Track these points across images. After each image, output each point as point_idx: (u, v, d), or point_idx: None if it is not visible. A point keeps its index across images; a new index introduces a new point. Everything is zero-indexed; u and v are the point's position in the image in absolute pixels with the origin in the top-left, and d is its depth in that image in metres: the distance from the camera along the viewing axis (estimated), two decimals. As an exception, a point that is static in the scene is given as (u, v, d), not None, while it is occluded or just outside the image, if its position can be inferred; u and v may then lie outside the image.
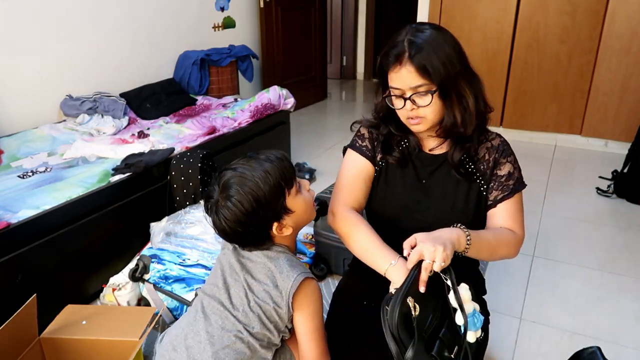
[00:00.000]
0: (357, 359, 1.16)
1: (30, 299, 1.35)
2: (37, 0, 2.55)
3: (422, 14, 3.93)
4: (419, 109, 1.10)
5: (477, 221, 1.19)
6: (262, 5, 4.15)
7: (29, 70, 2.57)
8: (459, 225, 1.04)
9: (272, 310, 1.07)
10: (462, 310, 0.96)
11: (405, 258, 0.97)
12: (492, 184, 1.17)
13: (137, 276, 1.76)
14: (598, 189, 2.91)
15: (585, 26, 3.44)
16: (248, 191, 1.02)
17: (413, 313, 0.91)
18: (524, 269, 2.17)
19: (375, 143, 1.27)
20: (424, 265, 0.93)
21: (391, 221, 1.26)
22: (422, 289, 0.93)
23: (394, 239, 1.24)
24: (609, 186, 2.89)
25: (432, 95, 1.08)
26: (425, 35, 1.08)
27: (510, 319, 1.86)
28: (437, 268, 0.93)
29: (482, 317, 1.00)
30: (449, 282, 0.96)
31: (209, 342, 1.05)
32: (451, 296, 0.96)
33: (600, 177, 3.07)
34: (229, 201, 1.03)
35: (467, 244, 1.02)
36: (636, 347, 1.70)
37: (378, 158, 1.27)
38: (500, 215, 1.16)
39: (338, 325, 1.27)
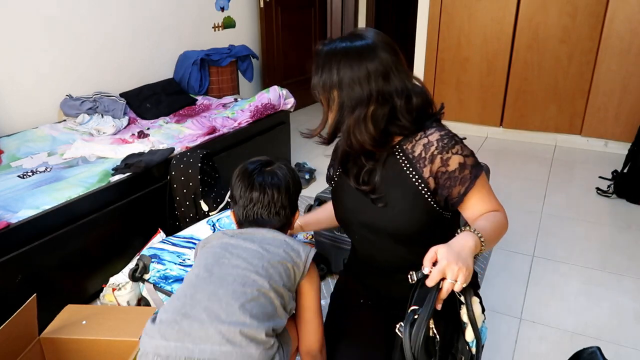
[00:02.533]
0: (356, 356, 1.17)
1: (30, 299, 1.35)
2: (37, 1, 2.55)
3: (422, 14, 3.94)
4: None
5: (419, 220, 1.15)
6: (262, 5, 4.15)
7: (29, 70, 2.57)
8: (467, 228, 1.01)
9: (291, 270, 1.08)
10: (475, 326, 0.94)
11: (426, 275, 0.92)
12: (446, 183, 1.10)
13: (137, 276, 1.76)
14: (598, 189, 2.91)
15: (585, 26, 3.44)
16: (291, 168, 1.24)
17: (437, 336, 0.89)
18: (524, 269, 2.17)
19: (333, 160, 1.33)
20: (446, 286, 0.89)
21: (347, 226, 1.28)
22: (438, 307, 0.90)
23: (357, 244, 1.31)
24: (609, 186, 2.89)
25: (315, 95, 1.16)
26: (334, 46, 1.11)
27: (510, 319, 1.86)
28: (458, 289, 0.90)
29: (486, 328, 0.99)
30: (462, 299, 0.94)
31: (232, 297, 0.99)
32: (463, 311, 0.94)
33: (600, 177, 3.07)
34: (279, 170, 1.19)
35: (482, 246, 0.99)
36: (636, 347, 1.70)
37: (331, 172, 1.33)
38: (475, 205, 1.12)
39: (337, 325, 1.28)
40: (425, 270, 0.91)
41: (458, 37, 3.85)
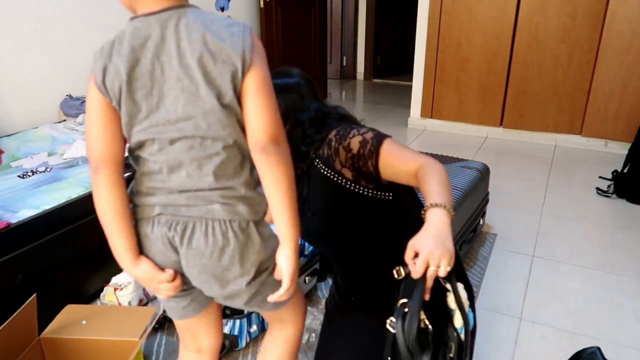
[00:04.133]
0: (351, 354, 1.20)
1: (30, 299, 1.35)
2: (37, 1, 2.55)
3: (422, 14, 3.94)
4: None
5: (354, 210, 1.16)
6: (262, 5, 4.15)
7: (29, 70, 2.57)
8: (430, 203, 0.97)
9: (231, 82, 0.85)
10: (463, 312, 0.94)
11: (407, 274, 0.92)
12: (359, 164, 1.12)
13: None
14: (598, 189, 2.91)
15: (585, 26, 3.44)
16: None
17: (429, 327, 0.89)
18: (524, 269, 2.17)
19: None
20: (429, 274, 0.89)
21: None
22: (427, 297, 0.90)
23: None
24: (609, 186, 2.89)
25: None
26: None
27: (510, 319, 1.86)
28: (443, 274, 0.89)
29: (472, 313, 0.99)
30: (448, 286, 0.93)
31: (198, 168, 0.88)
32: (450, 298, 0.94)
33: (600, 177, 3.07)
34: None
35: (451, 212, 0.97)
36: (636, 347, 1.70)
37: None
38: (395, 168, 1.11)
39: (333, 324, 1.32)
40: (410, 267, 0.91)
41: (458, 37, 3.85)
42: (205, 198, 0.90)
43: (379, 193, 1.15)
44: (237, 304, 1.01)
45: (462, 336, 0.95)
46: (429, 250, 0.88)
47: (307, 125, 1.18)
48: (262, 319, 1.73)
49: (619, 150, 3.46)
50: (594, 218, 2.63)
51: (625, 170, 2.84)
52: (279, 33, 4.38)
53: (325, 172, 1.16)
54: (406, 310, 0.89)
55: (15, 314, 1.30)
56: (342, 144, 1.14)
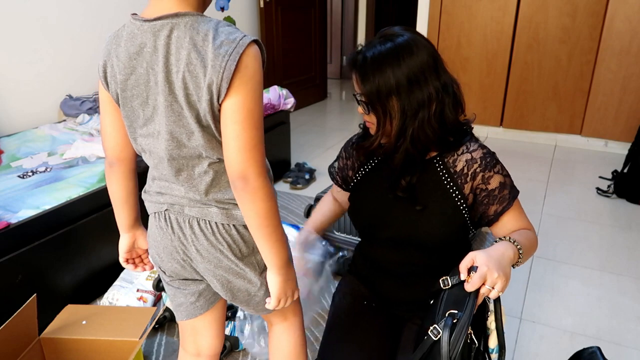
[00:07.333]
0: (360, 357, 1.18)
1: (30, 299, 1.35)
2: (37, 1, 2.55)
3: (422, 15, 3.94)
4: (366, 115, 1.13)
5: (450, 234, 1.17)
6: (262, 5, 4.15)
7: (29, 70, 2.57)
8: (507, 238, 1.02)
9: (207, 107, 0.83)
10: (501, 334, 0.94)
11: (461, 281, 0.93)
12: (484, 200, 1.12)
13: (160, 286, 1.76)
14: (598, 189, 2.91)
15: (585, 26, 3.44)
16: None
17: (475, 342, 0.89)
18: (524, 269, 2.17)
19: (349, 161, 1.31)
20: (483, 290, 0.90)
21: (368, 229, 1.27)
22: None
23: (373, 246, 1.29)
24: (609, 186, 2.89)
25: (365, 105, 1.10)
26: (378, 49, 1.06)
27: (510, 319, 1.86)
28: (494, 296, 0.90)
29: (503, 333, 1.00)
30: (491, 306, 0.94)
31: (191, 189, 0.94)
32: (490, 319, 0.95)
33: (600, 177, 3.07)
34: None
35: (519, 258, 1.00)
36: (636, 347, 1.70)
37: (350, 174, 1.31)
38: (509, 223, 1.14)
39: (341, 326, 1.28)
40: (462, 276, 0.92)
41: (458, 37, 3.85)
42: (204, 203, 0.95)
43: (472, 227, 1.17)
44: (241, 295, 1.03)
45: (494, 356, 0.95)
46: (489, 268, 0.90)
47: (448, 104, 1.08)
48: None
49: (619, 150, 3.46)
50: (594, 218, 2.63)
51: (625, 170, 2.84)
52: (279, 33, 4.38)
53: (449, 187, 1.13)
54: (454, 321, 0.88)
55: (15, 314, 1.30)
56: (484, 172, 1.11)
